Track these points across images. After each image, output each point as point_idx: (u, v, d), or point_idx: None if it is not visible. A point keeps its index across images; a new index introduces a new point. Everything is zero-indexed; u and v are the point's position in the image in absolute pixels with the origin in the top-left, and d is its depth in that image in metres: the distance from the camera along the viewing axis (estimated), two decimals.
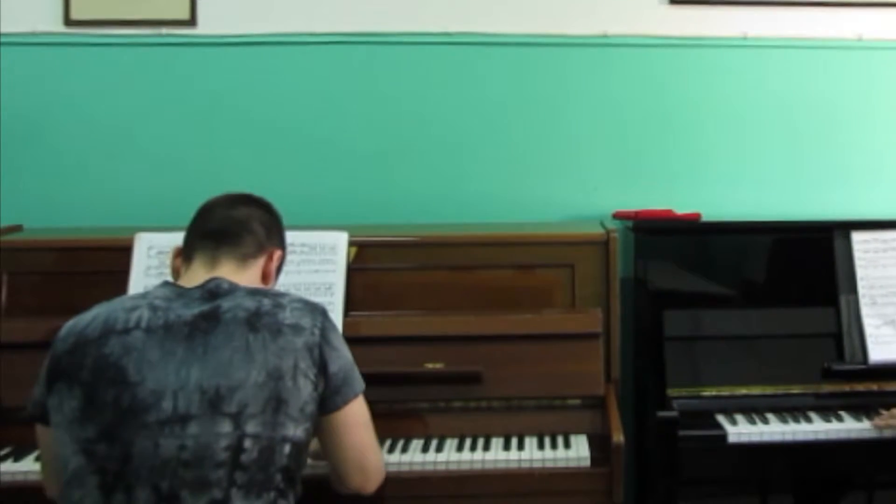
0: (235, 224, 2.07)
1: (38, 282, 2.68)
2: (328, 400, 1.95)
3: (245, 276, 2.05)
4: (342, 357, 1.99)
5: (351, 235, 2.67)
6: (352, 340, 2.38)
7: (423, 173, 3.28)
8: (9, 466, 2.35)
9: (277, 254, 2.16)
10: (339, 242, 2.65)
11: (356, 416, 2.01)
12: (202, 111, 3.24)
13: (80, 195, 3.21)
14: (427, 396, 2.58)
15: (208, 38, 3.23)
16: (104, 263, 2.65)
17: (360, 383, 2.02)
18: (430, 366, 2.57)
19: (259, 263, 2.10)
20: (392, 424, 2.51)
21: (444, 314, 2.66)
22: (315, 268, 2.61)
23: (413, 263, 2.73)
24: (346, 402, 1.97)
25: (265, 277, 2.12)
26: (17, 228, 2.97)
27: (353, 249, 2.68)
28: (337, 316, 2.55)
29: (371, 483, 2.06)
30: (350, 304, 2.63)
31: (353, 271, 2.67)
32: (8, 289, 2.65)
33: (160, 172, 3.23)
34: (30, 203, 3.16)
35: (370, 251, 2.72)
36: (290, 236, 2.49)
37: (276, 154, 3.26)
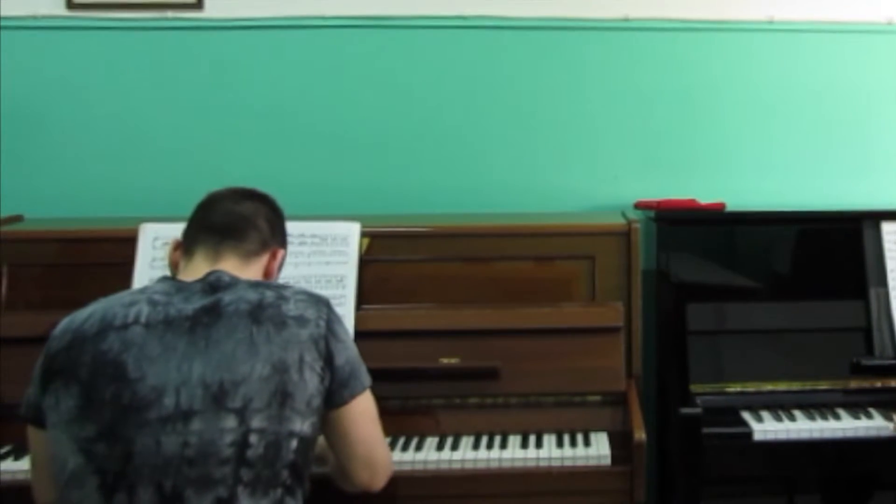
0: (241, 219, 2.04)
1: (40, 274, 2.65)
2: (335, 394, 1.92)
3: (247, 273, 2.02)
4: (348, 349, 1.96)
5: (363, 226, 2.64)
6: (364, 334, 2.46)
7: (437, 162, 3.24)
8: (9, 465, 2.34)
9: (281, 253, 2.13)
10: (350, 233, 2.62)
11: (364, 410, 1.97)
12: (209, 98, 3.20)
13: (83, 184, 3.17)
14: (442, 392, 2.55)
15: (215, 22, 3.18)
16: (108, 255, 2.62)
17: (367, 377, 1.99)
18: (445, 361, 2.54)
19: (262, 261, 2.07)
20: (406, 421, 2.50)
21: (460, 307, 2.63)
22: (326, 259, 2.59)
23: (428, 255, 2.70)
24: (353, 395, 1.94)
25: (266, 276, 2.09)
26: (18, 219, 2.93)
27: (366, 240, 2.65)
28: (349, 309, 2.53)
29: (379, 479, 2.03)
30: (362, 297, 2.60)
31: (365, 263, 2.64)
32: (8, 281, 2.62)
33: (165, 161, 3.19)
34: (31, 192, 3.12)
35: (383, 242, 2.68)
36: (301, 227, 2.54)
37: (285, 142, 3.22)
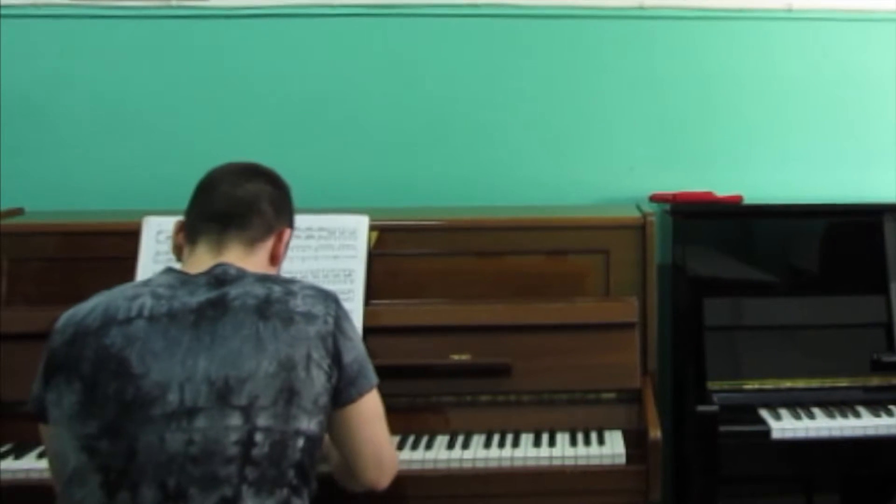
0: (243, 205, 2.00)
1: (40, 268, 2.62)
2: (343, 392, 1.90)
3: (253, 260, 1.99)
4: (356, 347, 1.94)
5: (372, 219, 2.61)
6: (373, 330, 2.46)
7: (448, 154, 3.21)
8: (9, 464, 2.30)
9: (287, 233, 2.09)
10: (359, 227, 2.59)
11: (372, 408, 1.96)
12: (214, 88, 3.17)
13: (85, 176, 3.14)
14: (453, 390, 2.53)
15: (221, 11, 3.15)
16: (110, 249, 2.59)
17: (374, 375, 1.97)
18: (455, 357, 2.51)
19: (268, 246, 2.03)
20: (416, 419, 2.48)
21: (471, 303, 2.61)
22: (334, 253, 2.56)
23: (438, 249, 2.67)
24: (361, 393, 1.92)
25: (273, 259, 2.06)
26: (18, 212, 2.90)
27: (375, 234, 2.63)
28: (357, 304, 2.51)
29: (386, 478, 2.01)
30: (371, 292, 2.58)
31: (374, 257, 2.61)
32: (8, 276, 2.59)
33: (170, 153, 3.16)
34: (31, 185, 3.08)
35: (392, 236, 2.65)
36: (308, 220, 2.52)
37: (292, 134, 3.19)
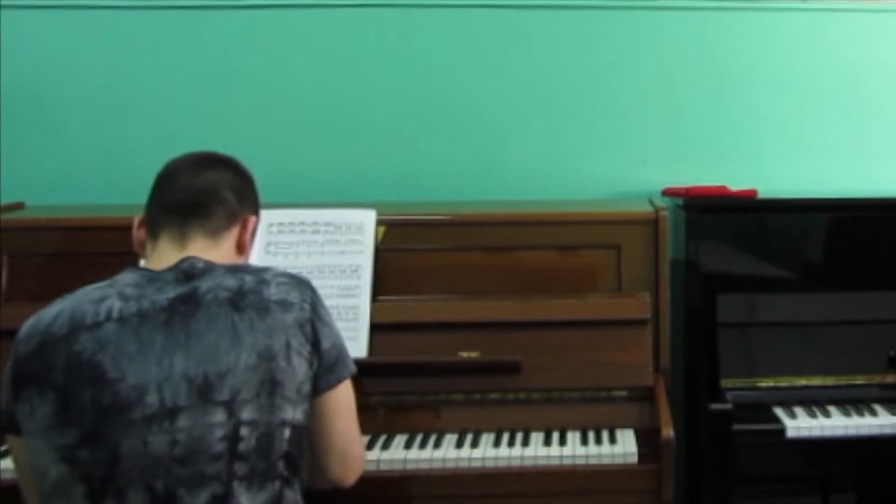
0: (203, 194, 1.95)
1: (41, 264, 2.61)
2: (321, 378, 1.88)
3: (219, 251, 1.94)
4: (334, 333, 1.92)
5: (379, 214, 2.60)
6: (380, 327, 2.44)
7: (457, 147, 3.19)
8: (9, 464, 2.25)
9: (252, 220, 2.04)
10: (366, 221, 2.58)
11: (345, 399, 1.94)
12: (218, 80, 3.15)
13: (87, 170, 3.13)
14: (461, 387, 2.50)
15: (225, 2, 3.14)
16: (112, 244, 2.54)
17: (352, 363, 1.95)
18: (464, 354, 2.49)
19: (232, 235, 1.99)
20: (423, 418, 2.46)
21: (480, 299, 2.59)
22: (341, 249, 2.54)
23: (447, 244, 2.65)
24: (339, 380, 1.91)
25: (240, 248, 2.01)
26: (19, 206, 2.89)
27: (382, 229, 2.61)
28: (364, 300, 2.50)
29: (352, 475, 1.98)
30: (378, 288, 2.56)
31: (381, 252, 2.59)
32: (9, 271, 2.59)
33: (172, 146, 2.99)
34: (32, 179, 3.07)
35: (400, 231, 2.64)
36: (314, 215, 2.52)
37: (298, 126, 3.17)
